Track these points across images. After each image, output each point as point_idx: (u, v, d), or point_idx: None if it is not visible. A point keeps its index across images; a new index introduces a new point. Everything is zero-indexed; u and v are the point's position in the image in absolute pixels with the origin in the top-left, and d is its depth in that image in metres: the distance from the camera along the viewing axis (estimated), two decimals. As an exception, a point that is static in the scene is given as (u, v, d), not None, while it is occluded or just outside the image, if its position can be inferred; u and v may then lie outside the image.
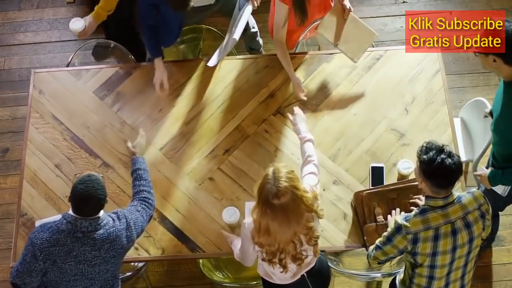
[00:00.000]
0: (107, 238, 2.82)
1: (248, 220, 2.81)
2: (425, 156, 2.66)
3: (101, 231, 2.81)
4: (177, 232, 3.36)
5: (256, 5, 3.76)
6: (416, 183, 3.25)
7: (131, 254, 3.31)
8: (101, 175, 2.88)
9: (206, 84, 3.72)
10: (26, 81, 4.11)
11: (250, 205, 3.35)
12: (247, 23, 3.92)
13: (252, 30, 4.11)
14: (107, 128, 3.62)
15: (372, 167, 3.43)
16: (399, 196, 3.27)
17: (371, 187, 3.37)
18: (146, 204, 3.03)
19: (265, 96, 3.66)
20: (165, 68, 3.60)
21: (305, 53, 3.83)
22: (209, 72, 3.75)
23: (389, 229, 2.84)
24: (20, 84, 4.64)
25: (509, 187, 3.30)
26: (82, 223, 2.78)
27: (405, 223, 2.74)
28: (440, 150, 2.66)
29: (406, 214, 2.82)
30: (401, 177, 3.38)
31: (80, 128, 3.61)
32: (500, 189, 3.32)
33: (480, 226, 2.77)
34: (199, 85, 3.72)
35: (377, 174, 3.41)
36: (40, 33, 4.86)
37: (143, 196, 3.05)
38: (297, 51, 3.85)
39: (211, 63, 3.67)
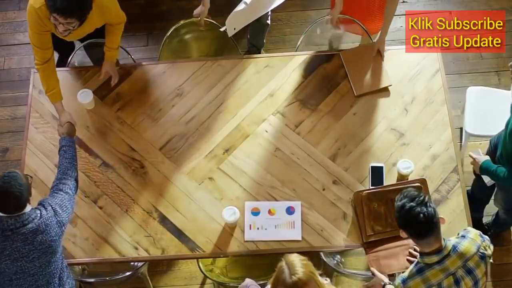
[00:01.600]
0: (37, 229, 2.79)
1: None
2: (398, 203, 2.65)
3: (30, 225, 2.79)
4: (177, 232, 3.36)
5: None
6: (416, 184, 3.27)
7: (131, 254, 3.31)
8: (29, 175, 2.90)
9: (206, 84, 3.72)
10: (26, 81, 4.11)
11: (250, 205, 3.36)
12: (265, 14, 3.93)
13: (267, 21, 4.07)
14: (107, 128, 3.62)
15: (372, 167, 3.43)
16: (399, 196, 3.27)
17: (371, 187, 3.37)
18: (64, 182, 3.01)
19: (265, 96, 3.66)
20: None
21: (305, 53, 3.83)
22: (209, 72, 3.75)
23: None
24: (20, 84, 4.64)
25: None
26: (8, 221, 2.75)
27: (405, 286, 2.68)
28: (412, 198, 2.61)
29: (402, 275, 2.73)
30: (401, 177, 3.39)
31: (80, 128, 3.61)
32: (486, 178, 3.35)
33: (483, 268, 2.69)
34: (199, 84, 3.72)
35: (376, 174, 3.41)
36: (40, 33, 4.85)
37: (62, 177, 3.04)
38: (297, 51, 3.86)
39: (229, 31, 3.68)
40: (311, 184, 3.43)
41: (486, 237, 2.80)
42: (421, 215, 2.57)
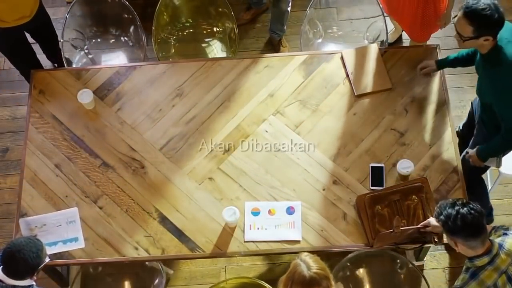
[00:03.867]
0: None
1: None
2: (442, 217, 2.62)
3: None
4: (177, 232, 3.36)
5: None
6: (418, 184, 3.26)
7: (131, 254, 3.31)
8: (48, 256, 2.87)
9: (206, 84, 3.72)
10: (26, 81, 4.11)
11: (250, 205, 3.36)
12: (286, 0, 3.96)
13: (287, 8, 4.08)
14: (107, 128, 3.62)
15: (372, 167, 3.43)
16: (401, 198, 3.27)
17: (372, 190, 3.37)
18: None
19: (265, 96, 3.66)
20: None
21: (306, 53, 3.83)
22: (209, 72, 3.75)
23: None
24: (20, 84, 4.63)
25: (500, 158, 3.28)
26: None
27: None
28: (453, 204, 2.62)
29: (455, 285, 2.69)
30: (401, 177, 3.39)
31: (80, 128, 3.61)
32: (493, 162, 3.32)
33: None
34: (199, 85, 3.72)
35: (377, 174, 3.42)
36: (40, 33, 4.85)
37: None
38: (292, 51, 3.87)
39: None
40: (311, 184, 3.43)
41: None
42: (472, 212, 2.56)
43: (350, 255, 3.38)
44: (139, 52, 4.13)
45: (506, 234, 2.70)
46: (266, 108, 3.63)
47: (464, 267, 2.72)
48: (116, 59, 4.19)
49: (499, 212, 4.10)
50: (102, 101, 3.70)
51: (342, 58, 3.73)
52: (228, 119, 3.61)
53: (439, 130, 3.52)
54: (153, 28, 4.03)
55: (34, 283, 2.85)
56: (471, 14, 2.83)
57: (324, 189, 3.41)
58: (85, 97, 3.60)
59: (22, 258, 2.72)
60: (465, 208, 2.58)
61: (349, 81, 3.66)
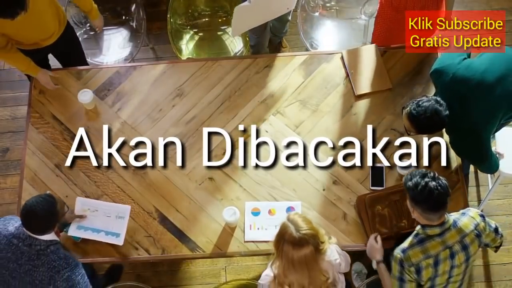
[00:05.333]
0: (38, 257, 2.88)
1: (265, 278, 2.85)
2: (409, 183, 2.74)
3: (36, 248, 2.89)
4: (177, 232, 3.36)
5: None
6: None
7: (131, 254, 3.31)
8: (67, 206, 3.04)
9: (206, 84, 3.72)
10: (26, 81, 4.10)
11: (250, 205, 3.36)
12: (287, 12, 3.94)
13: (288, 18, 4.12)
14: (107, 128, 3.61)
15: (372, 167, 3.43)
16: (402, 198, 3.27)
17: (373, 190, 3.37)
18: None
19: (265, 96, 3.66)
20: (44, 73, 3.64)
21: (305, 53, 3.83)
22: (209, 72, 3.75)
23: (393, 269, 2.85)
24: (20, 84, 4.64)
25: None
26: (22, 233, 2.90)
27: (404, 255, 2.79)
28: (424, 174, 2.73)
29: (402, 246, 2.83)
30: (401, 177, 3.38)
31: (80, 128, 3.60)
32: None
33: (476, 246, 2.83)
34: (199, 85, 3.72)
35: (377, 174, 3.42)
36: (40, 33, 4.85)
37: None
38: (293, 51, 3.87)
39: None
40: (311, 184, 3.43)
41: (493, 224, 2.92)
42: (439, 188, 2.70)
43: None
44: (139, 35, 4.21)
45: (464, 214, 2.83)
46: (266, 108, 3.63)
47: (415, 232, 2.84)
48: (118, 34, 4.25)
49: (499, 212, 4.10)
50: (102, 101, 3.70)
51: (342, 58, 3.73)
52: (228, 119, 3.60)
53: (439, 130, 3.52)
54: (168, 15, 4.08)
55: (57, 239, 2.95)
56: (412, 119, 3.06)
57: (324, 189, 3.41)
58: (85, 97, 3.60)
59: (36, 215, 2.82)
60: (433, 182, 2.70)
61: (349, 81, 3.67)
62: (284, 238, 2.70)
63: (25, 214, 2.84)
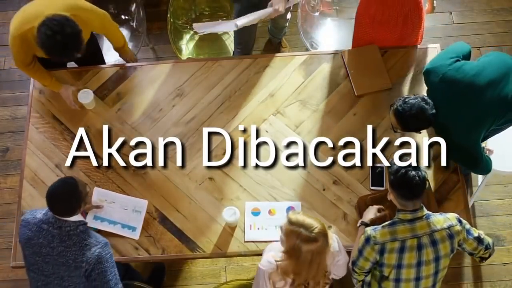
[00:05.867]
0: (69, 237, 2.95)
1: (267, 265, 2.87)
2: (393, 167, 2.83)
3: (66, 229, 2.95)
4: (177, 232, 3.36)
5: (275, 14, 3.63)
6: None
7: (131, 254, 3.32)
8: (88, 186, 3.07)
9: (206, 84, 3.72)
10: (26, 81, 4.11)
11: (250, 205, 3.36)
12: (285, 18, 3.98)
13: (285, 25, 4.12)
14: (107, 128, 3.61)
15: (372, 167, 3.43)
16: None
17: (373, 190, 3.37)
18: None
19: (265, 96, 3.66)
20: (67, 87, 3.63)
21: (305, 53, 3.83)
22: (209, 72, 3.75)
23: (359, 241, 2.92)
24: (20, 84, 4.64)
25: None
26: (50, 218, 2.97)
27: (373, 233, 2.85)
28: (407, 164, 2.81)
29: (375, 226, 2.91)
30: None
31: (80, 128, 3.60)
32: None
33: (448, 247, 2.85)
34: (199, 85, 3.72)
35: (377, 174, 3.42)
36: (40, 33, 4.85)
37: None
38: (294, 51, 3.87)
39: (197, 28, 3.63)
40: (311, 184, 3.43)
41: (476, 233, 2.91)
42: (416, 177, 2.77)
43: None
44: (140, 36, 4.21)
45: (441, 214, 2.88)
46: (266, 108, 3.63)
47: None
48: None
49: (499, 212, 4.11)
50: (102, 101, 3.70)
51: (342, 58, 3.73)
52: (228, 119, 3.61)
53: (439, 130, 3.52)
54: (168, 15, 4.09)
55: (85, 220, 3.03)
56: (398, 115, 3.11)
57: (324, 189, 3.41)
58: (86, 97, 3.60)
59: (59, 198, 2.90)
60: (413, 172, 2.78)
61: (349, 81, 3.67)
62: (296, 242, 2.73)
63: (50, 198, 2.90)
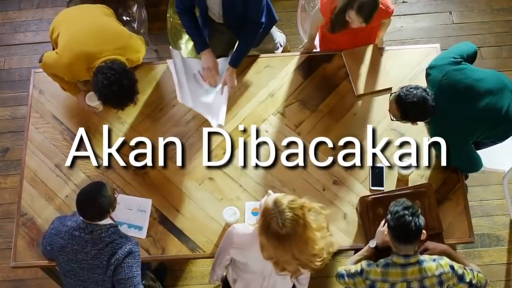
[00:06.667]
0: (99, 241, 3.02)
1: (240, 226, 2.88)
2: (392, 208, 2.83)
3: (96, 232, 3.02)
4: (177, 232, 3.36)
5: (230, 88, 3.62)
6: (423, 189, 3.26)
7: (131, 254, 3.32)
8: (116, 190, 3.13)
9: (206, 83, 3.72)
10: (26, 81, 4.12)
11: (250, 205, 3.36)
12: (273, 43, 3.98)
13: (277, 48, 4.07)
14: (107, 128, 3.61)
15: (372, 167, 3.43)
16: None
17: (373, 190, 3.37)
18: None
19: (265, 96, 3.66)
20: (214, 57, 3.61)
21: (306, 53, 3.84)
22: (209, 72, 3.75)
23: (358, 266, 2.93)
24: (20, 84, 4.64)
25: None
26: (81, 224, 3.03)
27: (367, 268, 2.88)
28: (407, 207, 2.80)
29: (372, 262, 2.93)
30: (401, 177, 3.39)
31: (80, 128, 3.60)
32: None
33: None
34: (199, 85, 3.72)
35: (377, 174, 3.42)
36: (40, 33, 4.85)
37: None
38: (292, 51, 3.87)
39: (181, 99, 3.51)
40: (311, 184, 3.43)
41: (468, 278, 2.88)
42: (412, 224, 2.76)
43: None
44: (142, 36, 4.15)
45: (435, 260, 2.87)
46: (266, 108, 3.63)
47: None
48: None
49: (499, 212, 4.11)
50: (102, 101, 3.69)
51: (342, 58, 3.73)
52: (228, 119, 3.60)
53: (439, 130, 3.52)
54: (168, 15, 4.10)
55: (114, 222, 3.08)
56: (399, 102, 3.14)
57: (324, 189, 3.41)
58: (94, 99, 3.55)
59: (89, 203, 2.96)
60: (410, 217, 2.77)
61: (349, 81, 3.67)
62: (267, 220, 2.66)
63: (80, 204, 2.96)
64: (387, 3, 3.49)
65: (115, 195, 3.07)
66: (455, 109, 3.16)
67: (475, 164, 3.33)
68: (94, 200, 2.94)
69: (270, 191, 2.79)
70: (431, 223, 3.18)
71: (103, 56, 3.25)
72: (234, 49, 3.66)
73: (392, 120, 3.27)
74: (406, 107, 3.11)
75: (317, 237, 2.70)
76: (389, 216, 2.83)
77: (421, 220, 2.80)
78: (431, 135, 3.29)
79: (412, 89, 3.11)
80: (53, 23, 3.52)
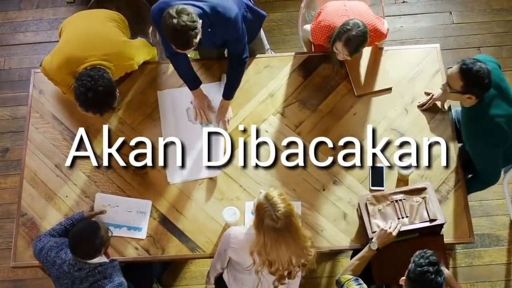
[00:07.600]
0: (87, 278, 3.04)
1: (237, 227, 2.91)
2: (417, 258, 2.77)
3: (84, 271, 3.03)
4: (177, 232, 3.36)
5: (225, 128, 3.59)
6: (422, 186, 3.24)
7: (131, 254, 3.32)
8: (110, 231, 3.11)
9: (206, 84, 3.71)
10: (26, 81, 4.11)
11: (250, 205, 3.36)
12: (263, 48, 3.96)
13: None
14: (107, 128, 3.61)
15: (372, 167, 3.43)
16: (402, 198, 3.25)
17: (373, 190, 3.36)
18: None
19: (265, 96, 3.66)
20: (204, 96, 3.59)
21: (306, 53, 3.84)
22: (209, 72, 3.75)
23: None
24: (20, 84, 4.64)
25: None
26: (71, 259, 3.05)
27: None
28: (432, 263, 2.74)
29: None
30: (401, 177, 3.38)
31: (80, 128, 3.60)
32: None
33: None
34: (199, 85, 3.72)
35: (377, 174, 3.42)
36: (40, 33, 4.86)
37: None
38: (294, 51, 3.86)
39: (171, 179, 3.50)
40: (311, 184, 3.43)
41: None
42: (434, 282, 2.71)
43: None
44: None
45: None
46: (266, 108, 3.63)
47: None
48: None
49: (499, 212, 4.11)
50: (102, 101, 3.69)
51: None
52: (228, 119, 3.61)
53: (439, 130, 3.52)
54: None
55: (106, 260, 3.07)
56: (465, 72, 3.08)
57: (324, 189, 3.41)
58: None
59: (80, 243, 2.96)
60: (433, 276, 2.71)
61: (349, 81, 3.67)
62: (262, 217, 2.75)
63: (71, 243, 2.96)
64: (380, 29, 3.52)
65: (109, 235, 3.06)
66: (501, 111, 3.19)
67: (498, 174, 3.39)
68: (87, 241, 2.94)
69: (261, 190, 2.84)
70: (433, 215, 3.17)
71: (88, 62, 3.27)
72: (224, 84, 3.58)
73: (450, 91, 3.17)
74: (473, 75, 3.05)
75: (301, 226, 2.83)
76: (412, 266, 2.77)
77: (443, 279, 2.75)
78: (472, 153, 3.30)
79: (475, 60, 3.08)
80: (64, 22, 3.52)
